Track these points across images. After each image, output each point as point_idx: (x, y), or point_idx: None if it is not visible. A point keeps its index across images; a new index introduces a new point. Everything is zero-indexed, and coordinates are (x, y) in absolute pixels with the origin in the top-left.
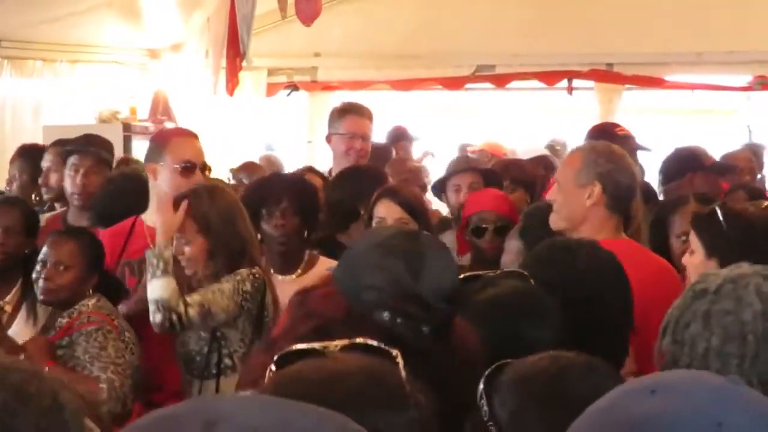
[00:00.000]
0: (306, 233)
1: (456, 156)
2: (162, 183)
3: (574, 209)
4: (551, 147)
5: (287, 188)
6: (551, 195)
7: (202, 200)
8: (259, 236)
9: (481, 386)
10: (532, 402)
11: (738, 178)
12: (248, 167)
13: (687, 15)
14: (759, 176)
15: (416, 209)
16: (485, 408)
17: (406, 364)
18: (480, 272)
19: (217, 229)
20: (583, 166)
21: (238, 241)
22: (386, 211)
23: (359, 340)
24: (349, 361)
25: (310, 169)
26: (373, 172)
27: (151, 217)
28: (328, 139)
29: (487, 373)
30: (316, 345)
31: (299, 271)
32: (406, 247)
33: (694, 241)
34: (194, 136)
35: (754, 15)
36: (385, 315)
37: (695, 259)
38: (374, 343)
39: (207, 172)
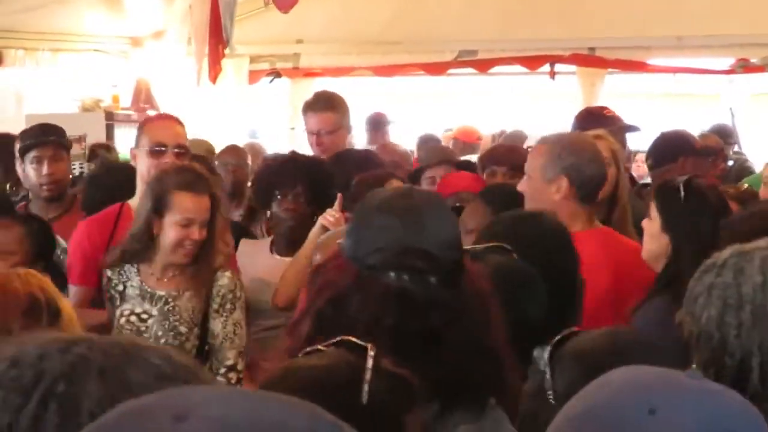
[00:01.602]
0: (315, 217)
1: (430, 146)
2: (139, 166)
3: (543, 202)
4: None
5: (304, 173)
6: (521, 186)
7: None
8: (268, 213)
9: (546, 355)
10: (586, 377)
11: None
12: (232, 150)
13: None
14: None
15: None
16: (547, 376)
17: (421, 317)
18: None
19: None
20: (549, 161)
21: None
22: None
23: (342, 338)
24: (318, 362)
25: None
26: (364, 154)
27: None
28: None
29: (553, 342)
30: (320, 345)
31: None
32: (402, 204)
33: (654, 210)
34: (172, 120)
35: None
36: (392, 274)
37: (652, 227)
38: (353, 339)
39: (183, 156)
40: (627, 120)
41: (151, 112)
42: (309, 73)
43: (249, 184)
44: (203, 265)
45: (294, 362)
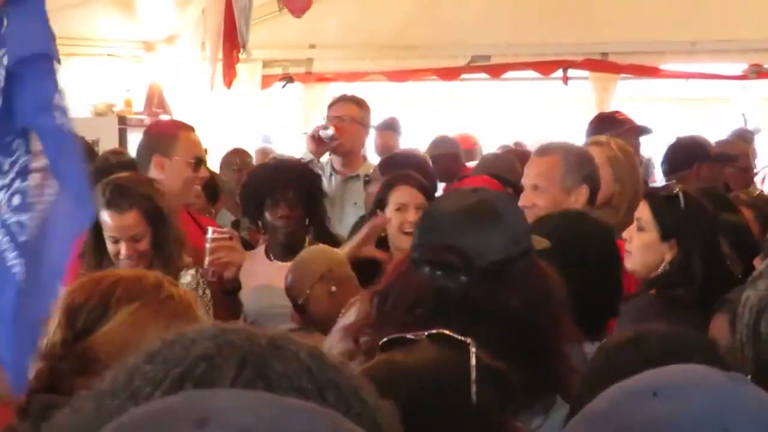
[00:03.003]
0: (308, 221)
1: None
2: (170, 176)
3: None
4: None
5: (293, 178)
6: (525, 200)
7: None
8: (260, 223)
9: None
10: None
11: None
12: (236, 152)
13: (681, 4)
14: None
15: (431, 193)
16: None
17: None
18: None
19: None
20: (569, 170)
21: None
22: (407, 197)
23: (437, 331)
24: (421, 360)
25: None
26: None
27: None
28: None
29: None
30: (410, 335)
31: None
32: (454, 204)
33: (648, 220)
34: (194, 130)
35: (749, 3)
36: (426, 269)
37: (646, 238)
38: (449, 333)
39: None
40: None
41: (164, 117)
42: (322, 78)
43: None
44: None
45: (394, 359)
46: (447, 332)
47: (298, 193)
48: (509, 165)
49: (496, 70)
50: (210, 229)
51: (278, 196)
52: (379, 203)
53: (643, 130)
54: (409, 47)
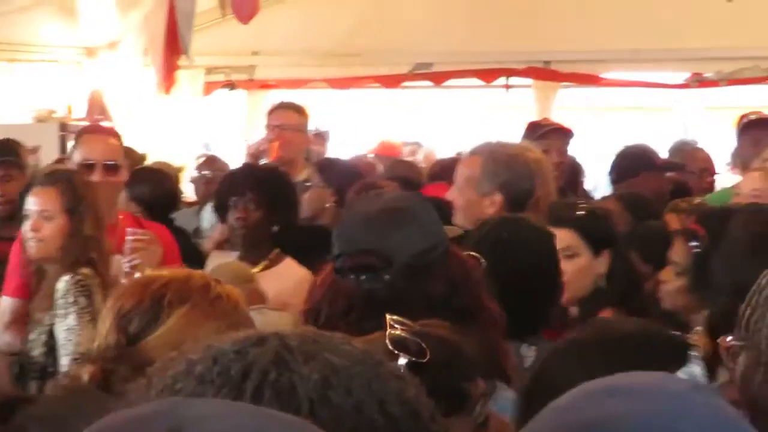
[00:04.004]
0: (274, 227)
1: None
2: None
3: (475, 214)
4: None
5: (252, 181)
6: (451, 194)
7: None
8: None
9: (532, 353)
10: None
11: (697, 178)
12: (210, 161)
13: (623, 13)
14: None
15: None
16: None
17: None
18: None
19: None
20: (484, 175)
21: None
22: None
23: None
24: None
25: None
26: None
27: None
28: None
29: None
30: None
31: (261, 266)
32: (366, 211)
33: (577, 243)
34: (104, 133)
35: (691, 12)
36: (351, 277)
37: (579, 263)
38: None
39: (113, 172)
40: (578, 132)
41: (105, 123)
42: (264, 85)
43: None
44: (50, 270)
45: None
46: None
47: (257, 196)
48: (411, 169)
49: (438, 78)
50: (129, 231)
51: (237, 197)
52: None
53: (566, 132)
54: (351, 55)
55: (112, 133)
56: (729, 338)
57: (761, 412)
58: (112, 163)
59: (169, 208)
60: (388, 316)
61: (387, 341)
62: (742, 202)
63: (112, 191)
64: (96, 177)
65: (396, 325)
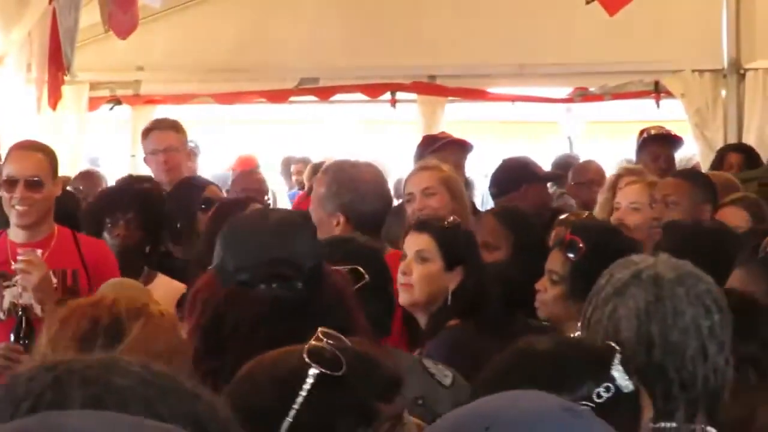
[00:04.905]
0: (148, 248)
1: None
2: None
3: (325, 232)
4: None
5: (137, 200)
6: (311, 207)
7: None
8: None
9: None
10: None
11: (589, 189)
12: (85, 176)
13: (509, 28)
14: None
15: None
16: None
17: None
18: None
19: None
20: (327, 196)
21: None
22: None
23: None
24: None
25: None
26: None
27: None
28: (146, 161)
29: None
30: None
31: None
32: (261, 222)
33: (433, 250)
34: (30, 148)
35: (575, 28)
36: (262, 287)
37: (429, 268)
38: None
39: (35, 188)
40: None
41: None
42: (150, 101)
43: None
44: None
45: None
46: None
47: (139, 216)
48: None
49: (324, 93)
50: (19, 252)
51: (118, 215)
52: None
53: (463, 145)
54: (237, 70)
55: (39, 148)
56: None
57: None
58: (35, 179)
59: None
60: (319, 329)
61: (304, 352)
62: (621, 216)
63: (36, 208)
64: (17, 193)
65: (323, 338)
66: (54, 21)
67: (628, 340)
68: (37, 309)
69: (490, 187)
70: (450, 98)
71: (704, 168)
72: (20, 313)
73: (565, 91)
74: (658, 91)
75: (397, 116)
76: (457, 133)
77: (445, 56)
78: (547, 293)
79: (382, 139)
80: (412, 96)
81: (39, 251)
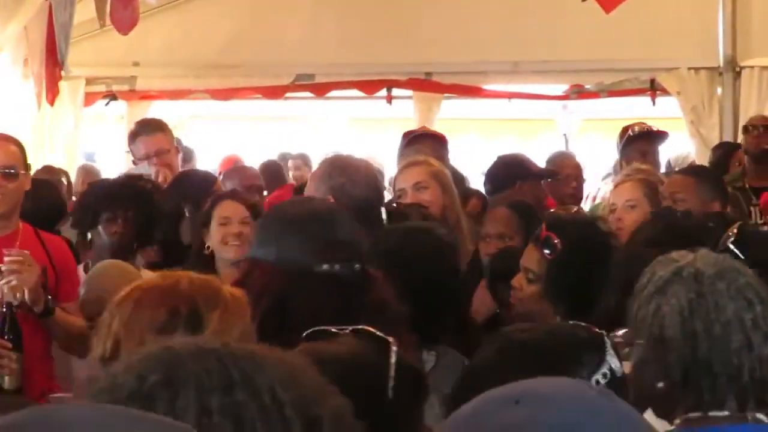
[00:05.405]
0: (137, 245)
1: None
2: None
3: None
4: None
5: (138, 199)
6: (306, 192)
7: None
8: (89, 236)
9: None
10: None
11: (564, 184)
12: (46, 170)
13: (504, 25)
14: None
15: (258, 209)
16: None
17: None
18: None
19: None
20: (320, 180)
21: None
22: (232, 211)
23: (362, 327)
24: (345, 348)
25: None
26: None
27: None
28: (135, 164)
29: None
30: (333, 328)
31: None
32: (307, 209)
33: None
34: (5, 139)
35: (570, 25)
36: (325, 266)
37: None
38: (373, 330)
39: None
40: (461, 145)
41: None
42: (146, 96)
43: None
44: None
45: (317, 347)
46: (370, 329)
47: (136, 213)
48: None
49: (320, 89)
50: (5, 251)
51: (118, 211)
52: (206, 217)
53: (439, 139)
54: (233, 66)
55: (12, 140)
56: (620, 333)
57: (653, 403)
58: (10, 170)
59: (55, 220)
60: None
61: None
62: (619, 216)
63: (10, 198)
64: None
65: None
66: (50, 16)
67: (673, 338)
68: (37, 308)
69: (484, 184)
70: (446, 95)
71: None
72: (4, 309)
73: (560, 89)
74: (653, 88)
75: (392, 113)
76: (453, 130)
77: (441, 53)
78: (522, 291)
79: (378, 135)
80: (408, 93)
81: (27, 252)
